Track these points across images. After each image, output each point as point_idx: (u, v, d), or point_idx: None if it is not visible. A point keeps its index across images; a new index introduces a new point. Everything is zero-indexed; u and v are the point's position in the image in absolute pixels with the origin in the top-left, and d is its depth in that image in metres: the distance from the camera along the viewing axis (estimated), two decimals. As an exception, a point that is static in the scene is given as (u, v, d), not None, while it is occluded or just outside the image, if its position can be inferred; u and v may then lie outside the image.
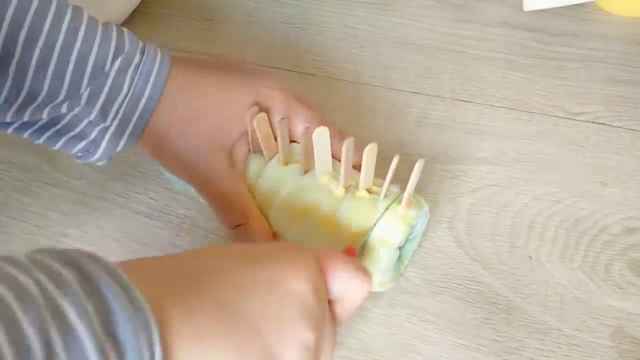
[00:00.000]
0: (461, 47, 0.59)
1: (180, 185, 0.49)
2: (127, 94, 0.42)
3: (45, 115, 0.41)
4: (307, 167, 0.43)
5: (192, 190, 0.47)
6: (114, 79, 0.42)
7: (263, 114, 0.42)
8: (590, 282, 0.44)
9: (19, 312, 0.22)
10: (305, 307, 0.31)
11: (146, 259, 0.31)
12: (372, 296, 0.45)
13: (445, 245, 0.47)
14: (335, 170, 0.43)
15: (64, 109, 0.41)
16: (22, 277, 0.24)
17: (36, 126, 0.42)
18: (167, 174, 0.48)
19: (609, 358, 0.41)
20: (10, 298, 0.22)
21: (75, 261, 0.25)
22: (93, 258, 0.26)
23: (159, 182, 0.52)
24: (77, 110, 0.42)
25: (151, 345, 0.25)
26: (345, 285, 0.34)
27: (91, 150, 0.44)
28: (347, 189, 0.42)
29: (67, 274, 0.25)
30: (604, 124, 0.52)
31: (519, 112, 0.54)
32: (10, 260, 0.25)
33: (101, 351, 0.24)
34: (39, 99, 0.40)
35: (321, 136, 0.40)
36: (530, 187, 0.49)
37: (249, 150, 0.45)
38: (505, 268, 0.45)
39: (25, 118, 0.41)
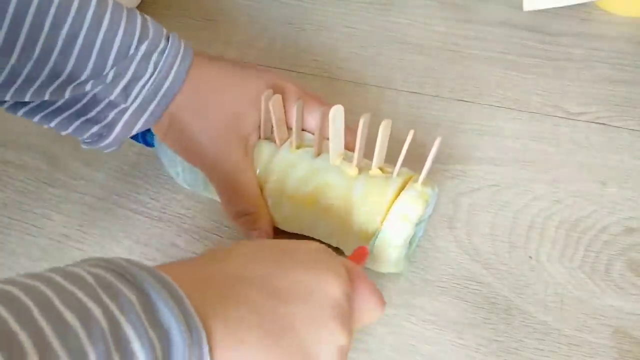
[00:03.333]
0: (461, 47, 0.59)
1: (184, 181, 0.49)
2: (151, 76, 0.43)
3: (67, 94, 0.42)
4: (319, 151, 0.44)
5: (197, 184, 0.47)
6: (139, 62, 0.42)
7: (278, 96, 0.43)
8: (590, 282, 0.44)
9: (87, 343, 0.23)
10: (341, 311, 0.32)
11: (180, 265, 0.32)
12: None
13: (445, 245, 0.47)
14: (346, 153, 0.44)
15: (88, 87, 0.42)
16: (90, 304, 0.24)
17: (50, 109, 0.43)
18: (173, 171, 0.49)
19: (609, 358, 0.41)
20: (79, 328, 0.23)
21: (134, 277, 0.27)
22: (149, 272, 0.27)
23: (159, 182, 0.52)
24: (99, 88, 0.42)
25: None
26: (365, 306, 0.35)
27: (104, 134, 0.44)
28: (360, 169, 0.43)
29: (129, 294, 0.26)
30: (604, 124, 0.52)
31: (519, 112, 0.54)
32: (75, 279, 0.25)
33: None
34: (62, 78, 0.41)
35: (338, 114, 0.41)
36: (530, 187, 0.49)
37: (259, 137, 0.46)
38: (505, 268, 0.45)
39: (46, 97, 0.41)
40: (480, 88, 0.55)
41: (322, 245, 0.36)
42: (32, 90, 0.41)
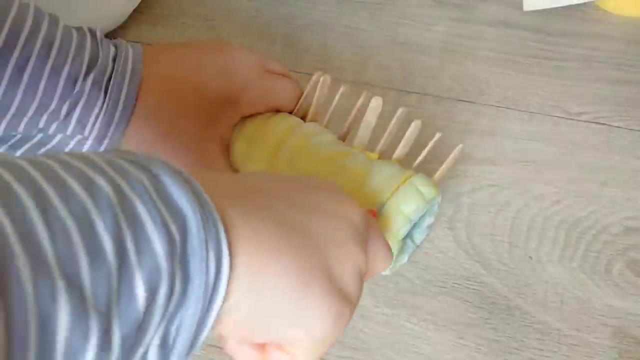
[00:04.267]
0: (461, 47, 0.59)
1: None
2: (103, 104, 0.42)
3: (21, 128, 0.41)
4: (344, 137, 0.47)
5: None
6: (89, 94, 0.42)
7: (328, 77, 0.46)
8: (590, 282, 0.44)
9: (93, 211, 0.21)
10: (361, 236, 0.31)
11: (199, 170, 0.31)
12: (373, 293, 0.45)
13: (445, 245, 0.47)
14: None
15: (41, 124, 0.41)
16: (97, 178, 0.22)
17: (12, 141, 0.42)
18: None
19: (609, 358, 0.41)
20: (85, 197, 0.21)
21: (145, 162, 0.25)
22: (162, 161, 0.25)
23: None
24: (54, 125, 0.42)
25: (219, 252, 0.24)
26: (376, 253, 0.34)
27: None
28: (380, 155, 0.45)
29: (140, 176, 0.24)
30: (604, 124, 0.52)
31: (519, 112, 0.54)
32: (82, 158, 0.23)
33: (168, 244, 0.23)
34: (11, 112, 0.40)
35: (376, 105, 0.44)
36: (530, 187, 0.49)
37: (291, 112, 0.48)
38: (505, 268, 0.45)
39: (0, 132, 0.41)
40: (481, 88, 0.55)
41: None
42: None
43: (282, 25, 0.62)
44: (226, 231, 0.25)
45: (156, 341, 0.23)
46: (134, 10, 0.64)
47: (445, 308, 0.44)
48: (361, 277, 0.31)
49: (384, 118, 0.46)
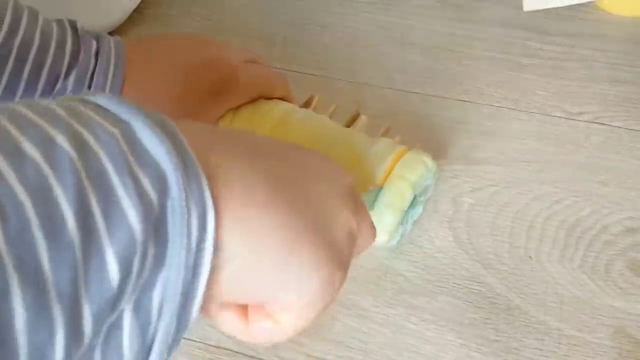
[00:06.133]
0: (461, 47, 0.59)
1: None
2: None
3: None
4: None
5: None
6: (72, 92, 0.41)
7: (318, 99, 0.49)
8: (590, 282, 0.44)
9: (51, 177, 0.18)
10: (353, 198, 0.30)
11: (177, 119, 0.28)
12: (373, 293, 0.45)
13: (445, 245, 0.47)
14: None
15: None
16: (55, 132, 0.19)
17: None
18: None
19: (609, 358, 0.41)
20: (41, 161, 0.18)
21: (112, 109, 0.22)
22: (137, 106, 0.22)
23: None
24: None
25: (203, 209, 0.22)
26: (360, 226, 0.32)
27: None
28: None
29: (108, 126, 0.21)
30: (604, 124, 0.52)
31: (519, 112, 0.54)
32: (42, 110, 0.20)
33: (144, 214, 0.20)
34: None
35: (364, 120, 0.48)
36: (530, 187, 0.49)
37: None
38: (505, 268, 0.45)
39: None
40: (481, 88, 0.55)
41: None
42: None
43: (282, 25, 0.62)
44: (210, 183, 0.22)
45: (128, 314, 0.21)
46: (134, 10, 0.64)
47: (445, 308, 0.44)
48: (353, 240, 0.29)
49: (386, 121, 0.46)
